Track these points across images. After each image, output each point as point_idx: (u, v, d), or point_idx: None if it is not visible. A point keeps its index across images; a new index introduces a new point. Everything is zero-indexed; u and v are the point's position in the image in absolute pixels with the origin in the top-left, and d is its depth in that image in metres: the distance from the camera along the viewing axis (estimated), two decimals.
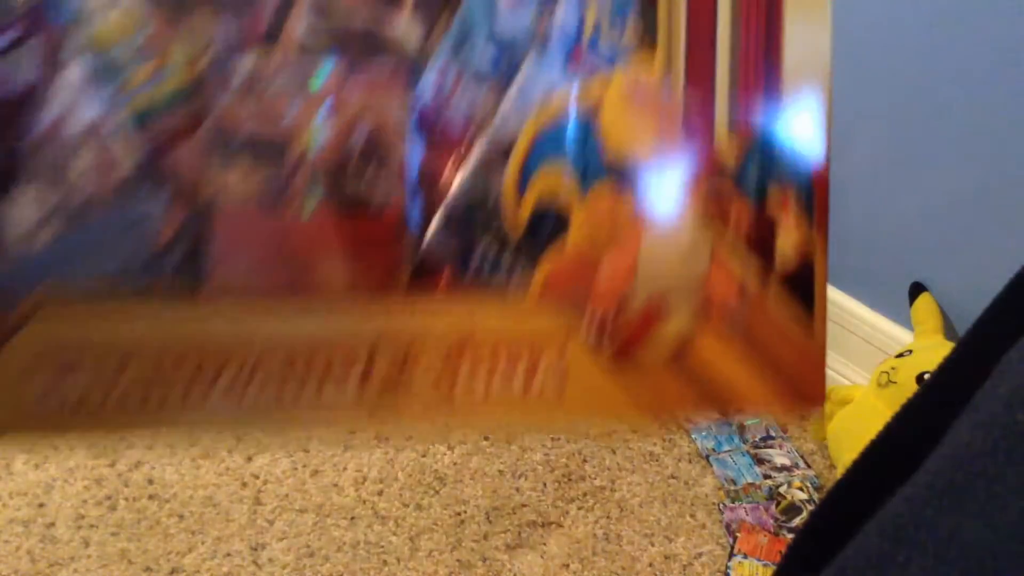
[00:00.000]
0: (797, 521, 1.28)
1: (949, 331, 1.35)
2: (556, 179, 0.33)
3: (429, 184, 0.33)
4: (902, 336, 1.41)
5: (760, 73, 0.33)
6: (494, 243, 0.33)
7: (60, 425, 0.31)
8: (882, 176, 1.36)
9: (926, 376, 1.18)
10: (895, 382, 1.26)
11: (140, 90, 0.30)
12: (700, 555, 1.22)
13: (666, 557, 1.21)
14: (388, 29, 0.31)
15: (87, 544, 1.11)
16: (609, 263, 0.33)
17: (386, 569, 1.14)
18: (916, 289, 1.36)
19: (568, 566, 1.17)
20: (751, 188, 0.34)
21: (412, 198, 0.32)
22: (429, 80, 0.32)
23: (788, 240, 0.34)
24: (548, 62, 0.32)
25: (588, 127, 0.33)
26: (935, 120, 1.27)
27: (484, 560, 1.16)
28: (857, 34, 1.24)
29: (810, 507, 1.29)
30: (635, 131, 0.33)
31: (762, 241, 0.34)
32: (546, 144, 0.33)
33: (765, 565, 1.20)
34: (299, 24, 0.30)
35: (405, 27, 0.31)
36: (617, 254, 0.33)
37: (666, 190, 0.33)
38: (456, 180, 0.33)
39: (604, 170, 0.33)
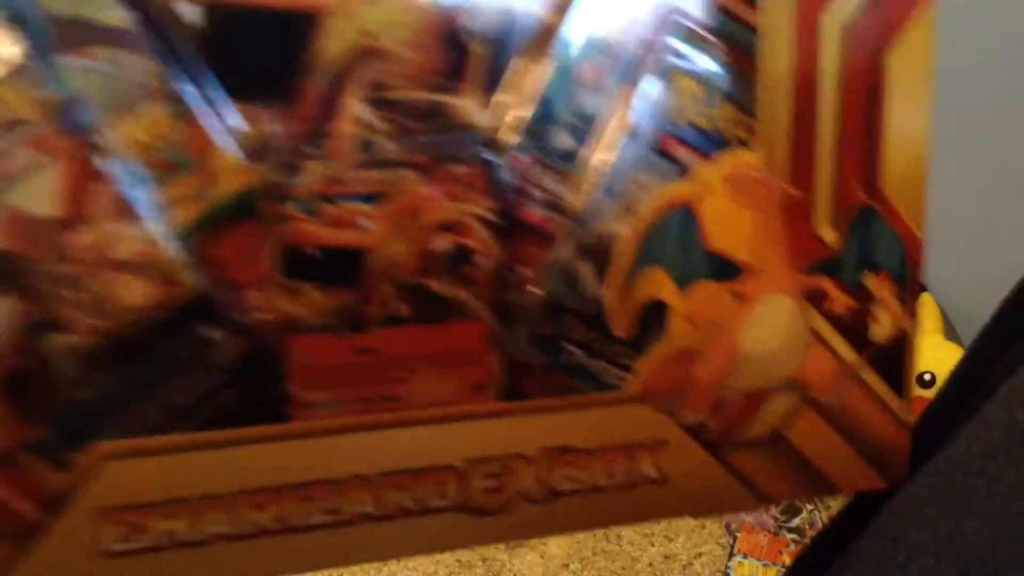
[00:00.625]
0: (797, 521, 1.27)
1: (949, 331, 1.34)
2: (657, 279, 0.32)
3: (515, 286, 0.32)
4: None
5: (860, 162, 0.33)
6: (586, 343, 0.33)
7: None
8: None
9: (926, 376, 1.20)
10: None
11: (186, 203, 0.28)
12: (700, 555, 1.22)
13: (666, 557, 1.21)
14: (458, 114, 0.30)
15: None
16: (710, 354, 0.33)
17: (386, 568, 1.14)
18: None
19: (568, 566, 1.17)
20: (849, 272, 0.34)
21: (498, 302, 0.31)
22: (507, 174, 0.31)
23: (883, 323, 0.35)
24: (636, 148, 0.32)
25: (688, 222, 0.32)
26: (935, 120, 1.26)
27: (484, 560, 1.16)
28: None
29: (810, 507, 1.29)
30: (736, 227, 0.32)
31: (857, 324, 0.35)
32: (646, 249, 0.32)
33: (765, 565, 1.20)
34: (359, 126, 0.29)
35: (474, 110, 0.30)
36: (718, 345, 0.33)
37: (766, 280, 0.33)
38: (543, 280, 0.32)
39: (704, 265, 0.33)
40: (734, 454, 0.35)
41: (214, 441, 0.30)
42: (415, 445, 0.32)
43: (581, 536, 1.22)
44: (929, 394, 1.32)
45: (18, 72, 0.26)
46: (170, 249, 0.28)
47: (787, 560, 1.19)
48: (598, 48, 0.31)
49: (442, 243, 0.31)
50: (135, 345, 0.29)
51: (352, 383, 0.31)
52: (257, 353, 0.30)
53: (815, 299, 0.34)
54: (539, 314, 0.33)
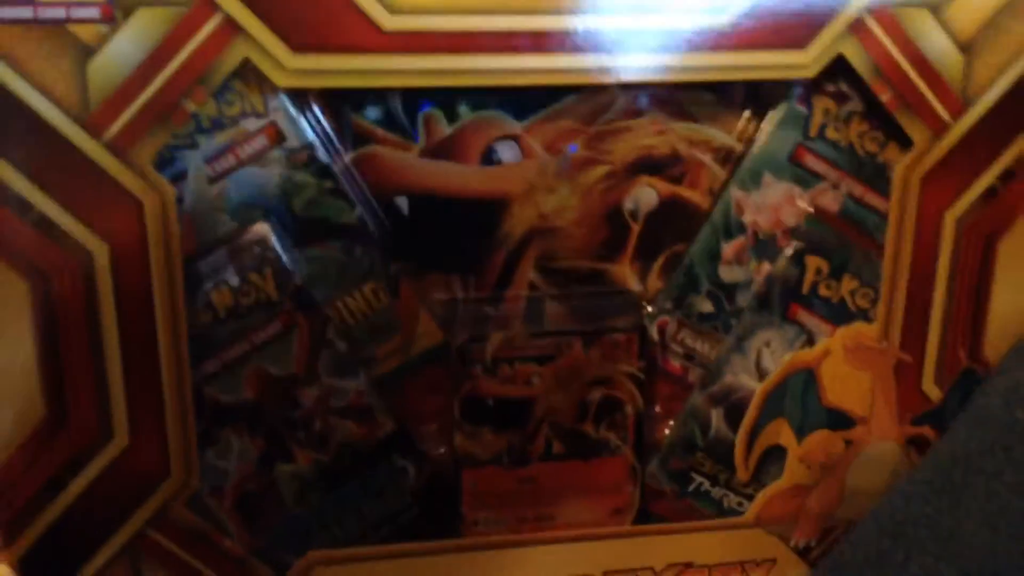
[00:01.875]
0: None
1: None
2: (779, 430, 0.37)
3: (652, 428, 0.37)
4: None
5: (966, 333, 0.37)
6: (711, 478, 0.38)
7: None
8: None
9: None
10: None
11: (388, 359, 0.34)
12: None
13: None
14: (615, 280, 0.36)
15: None
16: (820, 490, 0.38)
17: None
18: None
19: None
20: (949, 422, 0.37)
21: (636, 442, 0.37)
22: (655, 332, 0.36)
23: None
24: (767, 314, 0.36)
25: (809, 382, 0.37)
26: None
27: None
28: None
29: None
30: (852, 386, 0.37)
31: None
32: (772, 402, 0.37)
33: None
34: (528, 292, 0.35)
35: (630, 276, 0.36)
36: (829, 483, 0.38)
37: (875, 429, 0.37)
38: (677, 424, 0.37)
39: (822, 420, 0.37)
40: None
41: (401, 551, 0.36)
42: (563, 558, 0.37)
43: None
44: None
45: (270, 261, 0.32)
46: (375, 396, 0.35)
47: None
48: (741, 230, 0.36)
49: (595, 395, 0.36)
50: (344, 472, 0.35)
51: (514, 506, 0.37)
52: (439, 480, 0.36)
53: (918, 444, 0.38)
54: (674, 450, 0.38)
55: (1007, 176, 0.35)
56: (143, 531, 0.33)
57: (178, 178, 0.31)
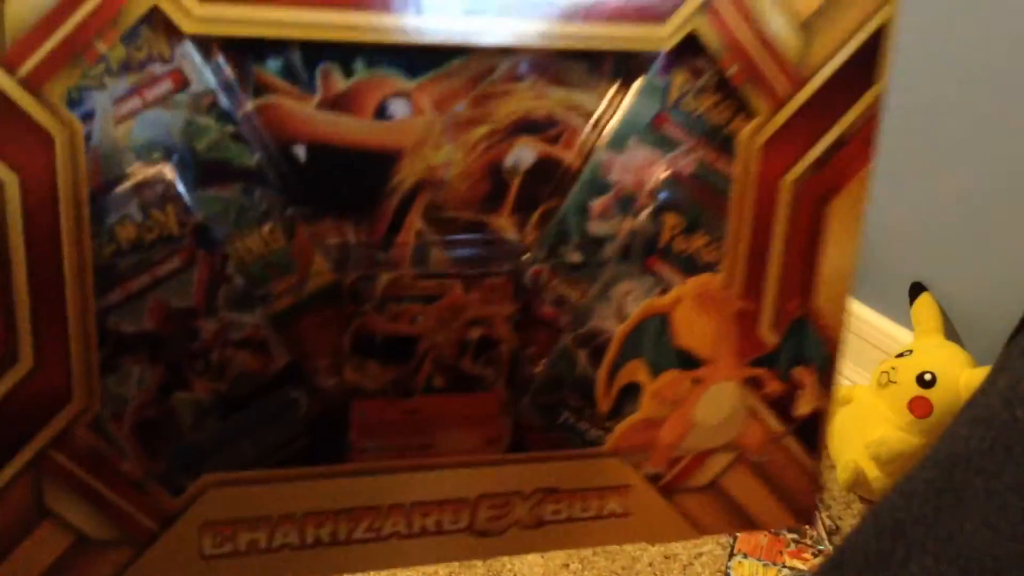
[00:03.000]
0: None
1: (949, 331, 1.34)
2: (636, 369, 0.42)
3: (525, 366, 0.41)
4: (902, 336, 1.40)
5: (799, 285, 0.42)
6: (576, 412, 0.42)
7: None
8: (882, 176, 1.39)
9: (926, 376, 1.21)
10: (895, 382, 1.26)
11: (284, 297, 0.37)
12: (700, 555, 1.21)
13: (666, 557, 1.20)
14: (494, 230, 0.39)
15: None
16: (670, 423, 0.43)
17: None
18: (916, 289, 1.36)
19: (568, 566, 1.17)
20: (783, 365, 0.43)
21: (512, 378, 0.41)
22: (527, 280, 0.40)
23: (805, 403, 0.44)
24: (628, 265, 0.41)
25: (663, 326, 0.41)
26: (935, 121, 1.27)
27: (484, 560, 1.12)
28: None
29: None
30: (700, 329, 0.42)
31: (785, 404, 0.44)
32: (629, 344, 0.41)
33: (765, 565, 1.20)
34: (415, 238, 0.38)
35: (507, 228, 0.39)
36: (677, 417, 0.43)
37: (718, 370, 0.42)
38: (548, 363, 0.41)
39: (673, 360, 0.42)
40: (681, 497, 0.45)
41: (291, 475, 0.39)
42: (440, 483, 0.41)
43: None
44: (929, 394, 1.36)
45: (172, 199, 0.34)
46: (271, 331, 0.37)
47: (787, 560, 1.20)
48: (608, 188, 0.40)
49: (474, 334, 0.40)
50: (239, 402, 0.37)
51: (398, 435, 0.40)
52: (328, 411, 0.39)
53: (755, 384, 0.44)
54: (544, 387, 0.42)
55: (838, 144, 0.41)
56: (45, 451, 0.34)
57: (87, 117, 0.33)
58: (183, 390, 0.36)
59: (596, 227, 0.41)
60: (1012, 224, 1.25)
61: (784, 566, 1.19)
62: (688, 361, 0.42)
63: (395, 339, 0.39)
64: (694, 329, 0.42)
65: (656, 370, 0.42)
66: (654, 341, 0.42)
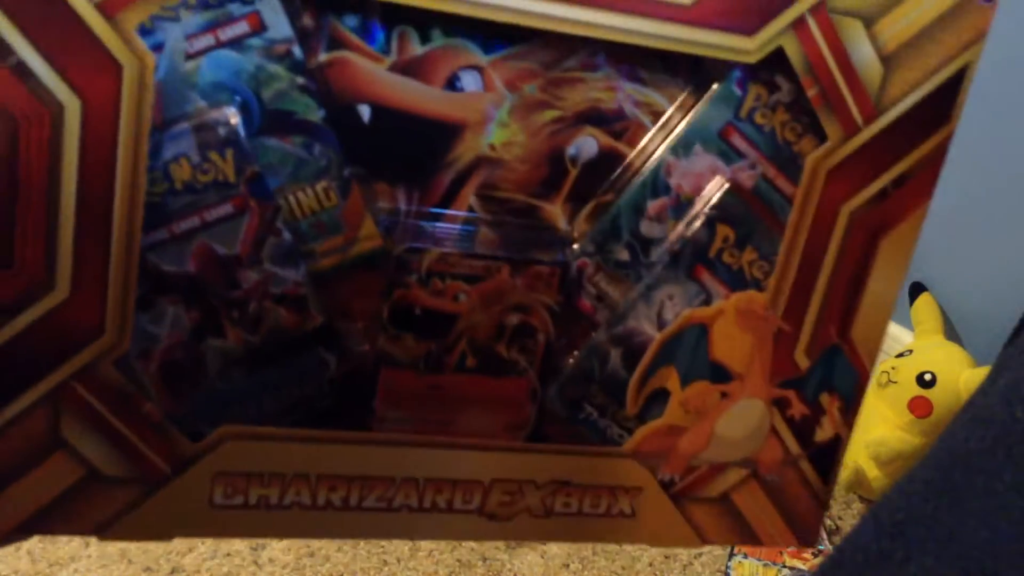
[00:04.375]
0: None
1: (949, 331, 1.34)
2: (667, 376, 0.41)
3: (557, 357, 0.41)
4: (902, 336, 1.40)
5: (840, 314, 0.42)
6: (600, 409, 0.41)
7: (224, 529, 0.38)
8: None
9: (926, 376, 1.20)
10: (895, 382, 1.26)
11: (328, 256, 0.36)
12: (700, 555, 1.20)
13: (666, 557, 1.19)
14: (546, 217, 0.39)
15: (87, 544, 1.07)
16: (692, 433, 0.42)
17: (386, 569, 1.11)
18: (916, 289, 1.36)
19: (568, 566, 1.15)
20: (811, 390, 0.43)
21: (544, 367, 0.40)
22: (573, 272, 0.40)
23: (826, 430, 0.44)
24: (675, 271, 0.40)
25: (702, 337, 0.41)
26: None
27: (484, 560, 1.13)
28: None
29: None
30: (737, 344, 0.41)
31: (807, 428, 0.44)
32: (667, 350, 0.41)
33: (765, 565, 1.19)
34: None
35: (560, 217, 0.39)
36: (700, 427, 0.42)
37: (747, 387, 0.42)
38: (580, 357, 0.41)
39: (706, 371, 0.41)
40: (690, 505, 0.44)
41: (310, 436, 0.38)
42: (457, 463, 0.40)
43: None
44: (929, 394, 1.35)
45: (232, 144, 0.34)
46: (311, 289, 0.36)
47: (787, 560, 1.20)
48: (666, 191, 0.40)
49: (513, 319, 0.39)
50: (269, 356, 0.37)
51: (421, 408, 0.40)
52: (357, 376, 0.38)
53: (781, 405, 0.43)
54: (572, 380, 0.42)
55: (901, 180, 0.40)
56: (68, 382, 0.34)
57: (156, 48, 0.32)
58: (216, 337, 0.36)
59: (648, 228, 0.40)
60: (1012, 224, 1.24)
61: (784, 566, 1.19)
62: (720, 374, 0.42)
63: (435, 314, 0.38)
64: (731, 344, 0.42)
65: (687, 379, 0.42)
66: (691, 351, 0.41)
